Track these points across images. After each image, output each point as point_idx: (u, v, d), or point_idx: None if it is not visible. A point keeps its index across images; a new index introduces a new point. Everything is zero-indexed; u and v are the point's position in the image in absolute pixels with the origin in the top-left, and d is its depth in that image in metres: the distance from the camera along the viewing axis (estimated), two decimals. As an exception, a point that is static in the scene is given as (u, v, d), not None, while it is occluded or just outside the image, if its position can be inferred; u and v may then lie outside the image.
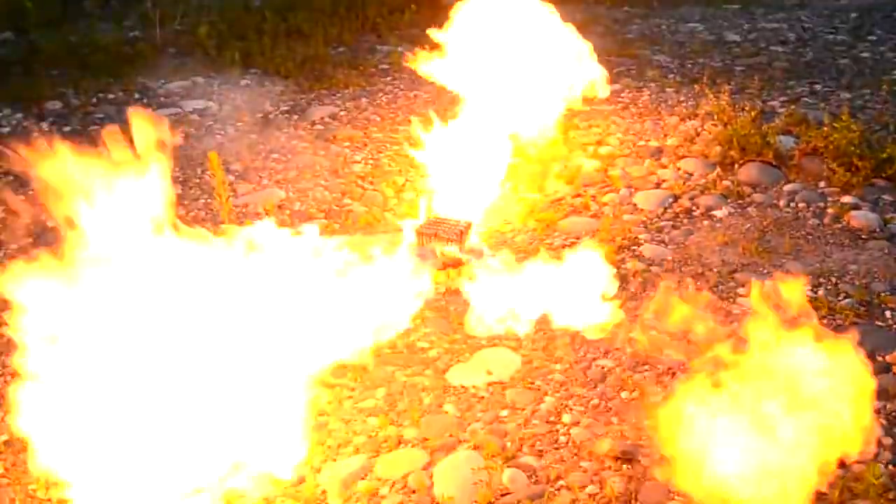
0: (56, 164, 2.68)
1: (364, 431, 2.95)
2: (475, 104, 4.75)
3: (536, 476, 2.70)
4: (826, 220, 4.19)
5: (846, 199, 4.35)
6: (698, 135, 5.14)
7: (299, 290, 3.13)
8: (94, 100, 5.96)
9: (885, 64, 6.49)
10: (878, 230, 4.09)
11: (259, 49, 6.82)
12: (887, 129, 5.14)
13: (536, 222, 4.30)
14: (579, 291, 3.49)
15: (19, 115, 5.63)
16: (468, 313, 3.50)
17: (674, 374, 3.11)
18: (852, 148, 4.54)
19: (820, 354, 2.44)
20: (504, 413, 3.00)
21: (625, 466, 2.70)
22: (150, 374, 2.55)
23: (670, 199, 4.45)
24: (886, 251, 3.91)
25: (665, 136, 5.22)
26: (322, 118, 5.73)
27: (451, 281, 3.77)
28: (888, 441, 2.76)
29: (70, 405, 2.50)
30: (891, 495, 2.51)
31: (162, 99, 6.04)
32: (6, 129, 5.52)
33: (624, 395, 3.05)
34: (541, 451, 2.80)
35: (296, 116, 5.77)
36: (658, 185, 4.62)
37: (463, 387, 3.16)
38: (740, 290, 3.63)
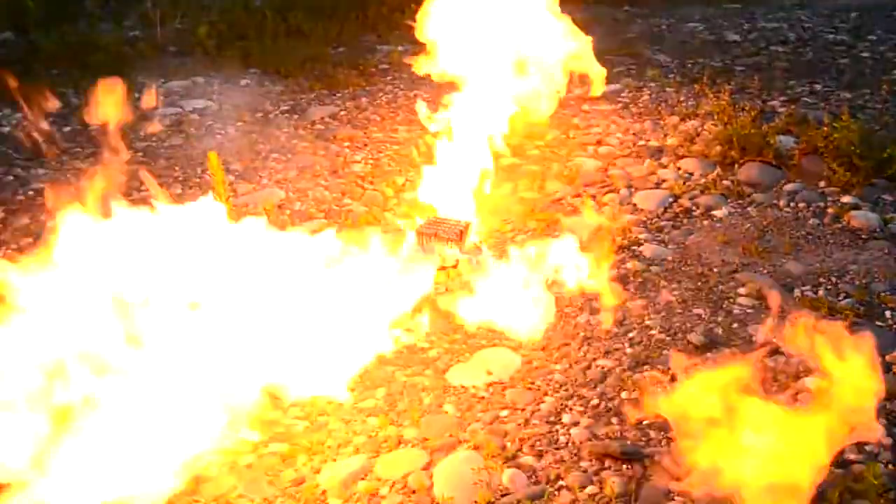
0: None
1: (364, 431, 2.94)
2: (468, 97, 4.70)
3: (536, 476, 2.70)
4: (826, 220, 4.19)
5: (846, 199, 4.35)
6: (698, 135, 5.14)
7: (298, 291, 3.14)
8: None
9: (885, 64, 6.49)
10: (878, 230, 4.09)
11: (259, 49, 6.83)
12: (887, 129, 5.14)
13: (536, 222, 4.30)
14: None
15: (19, 115, 5.63)
16: (468, 313, 3.51)
17: (674, 376, 3.11)
18: (852, 148, 4.54)
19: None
20: (504, 413, 3.00)
21: (625, 466, 2.70)
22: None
23: (670, 199, 4.45)
24: (886, 251, 3.91)
25: (665, 136, 5.22)
26: (322, 118, 5.73)
27: (450, 281, 3.77)
28: (888, 441, 2.76)
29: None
30: (891, 495, 2.50)
31: (162, 99, 6.04)
32: (6, 129, 5.53)
33: (624, 395, 3.05)
34: (541, 451, 2.80)
35: (296, 116, 5.77)
36: (658, 185, 4.62)
37: (463, 387, 3.15)
38: (740, 290, 3.63)
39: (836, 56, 6.74)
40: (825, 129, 4.73)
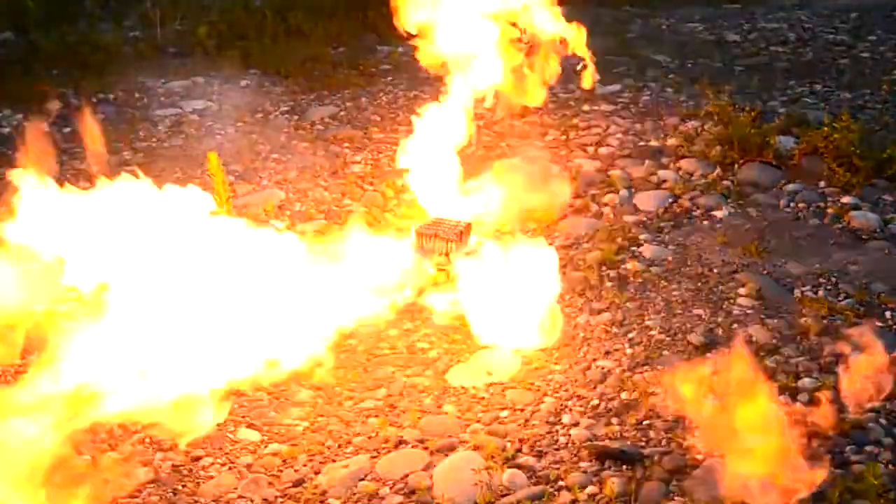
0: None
1: (364, 432, 2.94)
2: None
3: (536, 476, 2.70)
4: (826, 221, 4.19)
5: (846, 199, 4.35)
6: (698, 135, 5.14)
7: (297, 290, 3.15)
8: (94, 100, 5.96)
9: (885, 64, 6.49)
10: (878, 230, 4.09)
11: (259, 49, 6.82)
12: (887, 129, 5.14)
13: (536, 223, 4.30)
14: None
15: (19, 116, 5.63)
16: (468, 314, 3.51)
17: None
18: (852, 148, 4.54)
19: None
20: (504, 414, 3.00)
21: (625, 467, 2.70)
22: None
23: (670, 200, 4.45)
24: (886, 251, 3.91)
25: (665, 136, 5.21)
26: (322, 118, 5.72)
27: (450, 281, 3.77)
28: (888, 441, 2.76)
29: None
30: (891, 495, 2.50)
31: (162, 99, 6.04)
32: (6, 130, 5.52)
33: (624, 395, 3.05)
34: (540, 451, 2.80)
35: (296, 116, 5.77)
36: (658, 186, 4.62)
37: (463, 387, 3.15)
38: (740, 291, 3.63)
39: (836, 56, 6.74)
40: (825, 129, 4.73)
